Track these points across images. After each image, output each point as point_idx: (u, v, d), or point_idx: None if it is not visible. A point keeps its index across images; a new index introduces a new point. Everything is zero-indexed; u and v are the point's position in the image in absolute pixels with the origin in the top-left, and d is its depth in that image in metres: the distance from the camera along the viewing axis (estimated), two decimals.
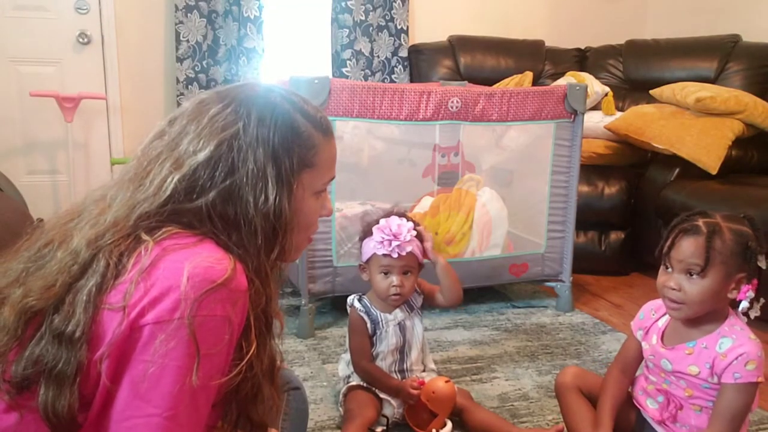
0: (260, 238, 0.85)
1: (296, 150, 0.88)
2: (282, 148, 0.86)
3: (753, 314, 1.27)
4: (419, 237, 1.61)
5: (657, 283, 1.30)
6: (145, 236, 0.79)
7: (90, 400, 0.76)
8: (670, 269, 1.27)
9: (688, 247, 1.23)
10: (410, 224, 1.59)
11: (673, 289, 1.25)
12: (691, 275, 1.23)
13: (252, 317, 0.82)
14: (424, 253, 1.63)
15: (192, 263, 0.76)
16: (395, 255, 1.55)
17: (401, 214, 1.62)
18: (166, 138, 0.87)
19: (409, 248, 1.56)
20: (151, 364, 0.73)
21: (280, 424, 1.18)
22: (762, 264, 1.23)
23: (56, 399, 0.74)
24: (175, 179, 0.82)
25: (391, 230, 1.55)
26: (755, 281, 1.24)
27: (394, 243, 1.55)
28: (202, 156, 0.83)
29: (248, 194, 0.84)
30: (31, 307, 0.77)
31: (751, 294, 1.23)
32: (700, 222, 1.24)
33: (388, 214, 1.61)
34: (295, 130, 0.89)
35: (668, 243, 1.27)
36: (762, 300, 1.27)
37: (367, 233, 1.61)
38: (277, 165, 0.85)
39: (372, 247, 1.58)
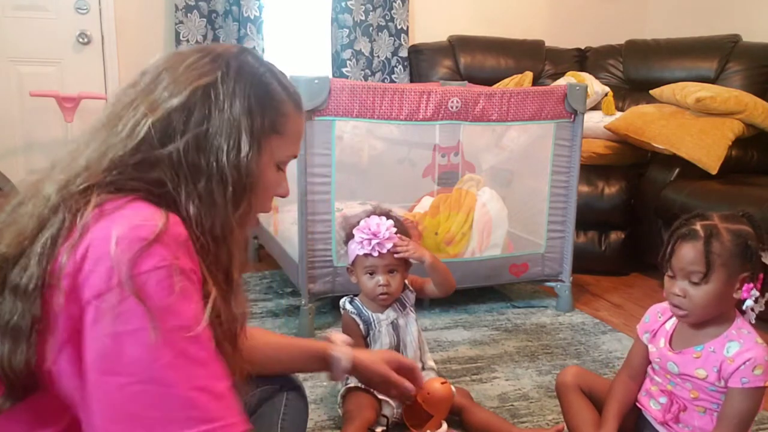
0: (230, 189, 0.83)
1: (269, 112, 0.87)
2: (257, 105, 0.85)
3: (758, 309, 1.26)
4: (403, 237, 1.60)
5: (664, 290, 1.30)
6: (93, 198, 0.76)
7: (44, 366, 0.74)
8: (673, 276, 1.27)
9: (687, 254, 1.23)
10: (390, 222, 1.58)
11: (678, 296, 1.25)
12: (694, 281, 1.23)
13: (206, 271, 0.80)
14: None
15: (118, 227, 0.73)
16: (375, 254, 1.56)
17: (382, 214, 1.62)
18: (139, 86, 0.85)
19: (389, 245, 1.56)
20: (106, 338, 0.70)
21: (279, 424, 1.18)
22: (767, 260, 1.23)
23: (12, 353, 0.72)
24: (149, 122, 0.80)
25: (370, 229, 1.56)
26: (761, 276, 1.24)
27: (374, 241, 1.55)
28: (176, 101, 0.81)
29: (222, 143, 0.82)
30: (3, 254, 0.75)
31: (755, 292, 1.23)
32: (698, 226, 1.24)
33: (369, 215, 1.62)
34: (270, 92, 0.88)
35: (668, 250, 1.27)
36: (767, 295, 1.26)
37: (350, 236, 1.61)
38: (251, 120, 0.84)
39: (354, 248, 1.59)
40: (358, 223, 1.60)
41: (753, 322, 1.29)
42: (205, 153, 0.82)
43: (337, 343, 1.31)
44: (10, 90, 3.06)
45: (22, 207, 0.81)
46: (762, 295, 1.26)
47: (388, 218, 1.60)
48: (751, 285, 1.23)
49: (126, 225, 0.73)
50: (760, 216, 2.17)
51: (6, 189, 2.37)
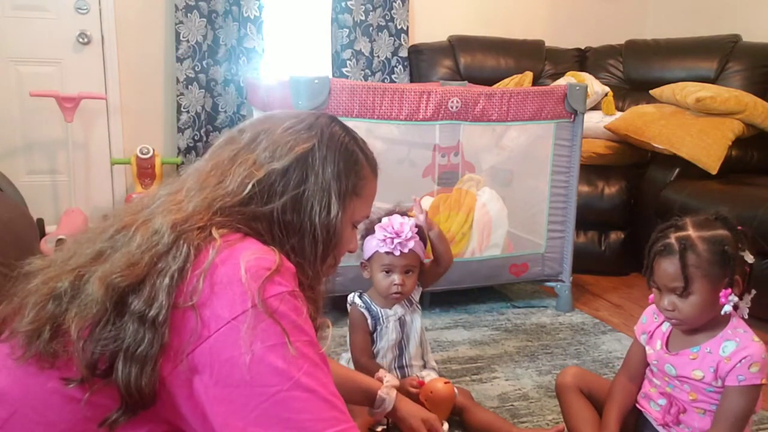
0: (320, 246, 0.93)
1: (352, 176, 0.97)
2: (344, 170, 0.96)
3: (744, 305, 1.26)
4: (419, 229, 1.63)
5: (654, 302, 1.31)
6: (215, 233, 0.83)
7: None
8: (659, 290, 1.27)
9: (666, 270, 1.23)
10: (412, 222, 1.61)
11: (668, 310, 1.26)
12: (679, 295, 1.23)
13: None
14: (425, 247, 1.65)
15: (245, 257, 0.81)
16: (397, 253, 1.57)
17: (403, 213, 1.64)
18: (239, 143, 0.94)
19: (411, 245, 1.58)
20: (246, 354, 0.76)
21: None
22: (749, 259, 1.22)
23: (139, 376, 0.76)
24: (253, 181, 0.89)
25: (393, 228, 1.57)
26: (748, 270, 1.24)
27: (396, 240, 1.57)
28: (278, 164, 0.91)
29: (315, 204, 0.92)
30: (117, 283, 0.79)
31: (734, 298, 1.21)
32: (672, 239, 1.23)
33: (390, 213, 1.63)
34: (355, 158, 0.99)
35: (647, 267, 1.27)
36: (753, 291, 1.26)
37: (369, 231, 1.62)
38: (339, 185, 0.95)
39: (374, 245, 1.60)
40: (379, 220, 1.61)
41: (746, 317, 1.28)
42: (300, 213, 0.92)
43: (386, 383, 1.38)
44: (10, 90, 3.06)
45: (125, 236, 0.85)
46: (748, 291, 1.25)
47: (409, 219, 1.62)
48: (729, 290, 1.21)
49: (251, 255, 0.82)
50: (761, 217, 2.20)
51: (7, 191, 2.36)
